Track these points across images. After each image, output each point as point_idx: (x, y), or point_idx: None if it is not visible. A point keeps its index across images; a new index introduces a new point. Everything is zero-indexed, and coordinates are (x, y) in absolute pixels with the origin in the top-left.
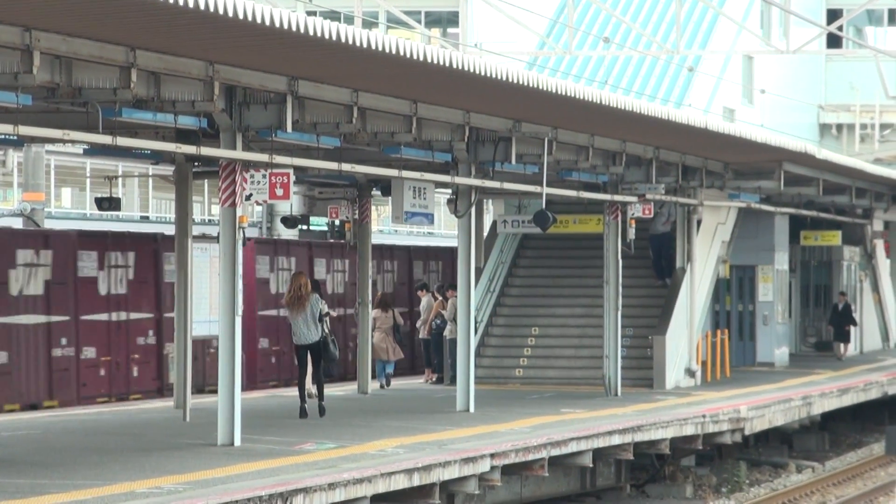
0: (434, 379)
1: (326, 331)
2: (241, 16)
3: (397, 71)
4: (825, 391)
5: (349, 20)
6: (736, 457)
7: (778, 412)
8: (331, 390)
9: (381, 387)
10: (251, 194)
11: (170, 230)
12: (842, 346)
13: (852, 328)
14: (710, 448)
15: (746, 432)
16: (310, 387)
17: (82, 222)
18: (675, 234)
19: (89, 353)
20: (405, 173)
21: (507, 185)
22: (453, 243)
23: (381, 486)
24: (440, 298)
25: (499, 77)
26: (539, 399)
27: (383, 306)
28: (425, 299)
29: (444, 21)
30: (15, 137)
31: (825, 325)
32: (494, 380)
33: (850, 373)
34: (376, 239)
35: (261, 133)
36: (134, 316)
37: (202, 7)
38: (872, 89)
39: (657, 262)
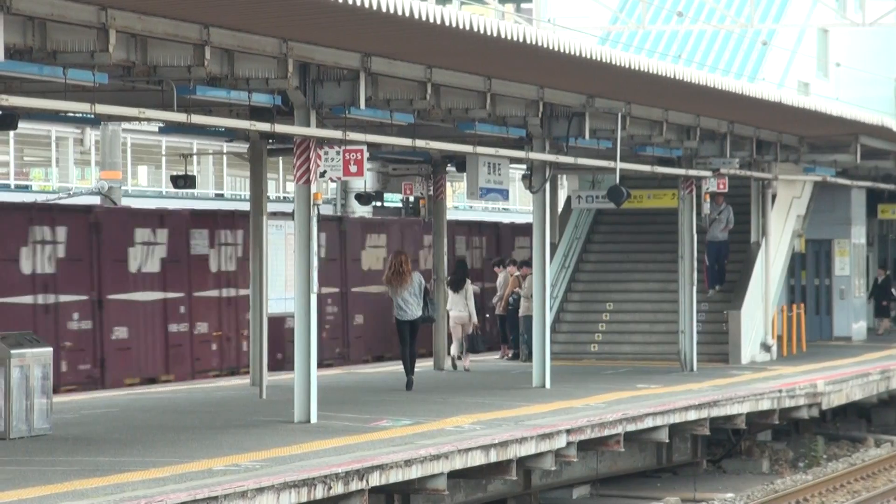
0: (510, 355)
1: (430, 309)
2: None
3: (471, 47)
4: None
5: None
6: (813, 431)
7: (856, 386)
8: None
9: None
10: (325, 171)
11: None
12: (880, 321)
13: (892, 303)
14: (786, 423)
15: (823, 407)
16: (456, 355)
17: (157, 200)
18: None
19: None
20: (480, 149)
21: (581, 161)
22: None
23: (458, 463)
24: (516, 274)
25: (572, 52)
26: (614, 374)
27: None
28: (502, 275)
29: None
30: (92, 116)
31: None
32: (569, 355)
33: None
34: (451, 215)
35: (334, 110)
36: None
37: None
38: None
39: (711, 268)
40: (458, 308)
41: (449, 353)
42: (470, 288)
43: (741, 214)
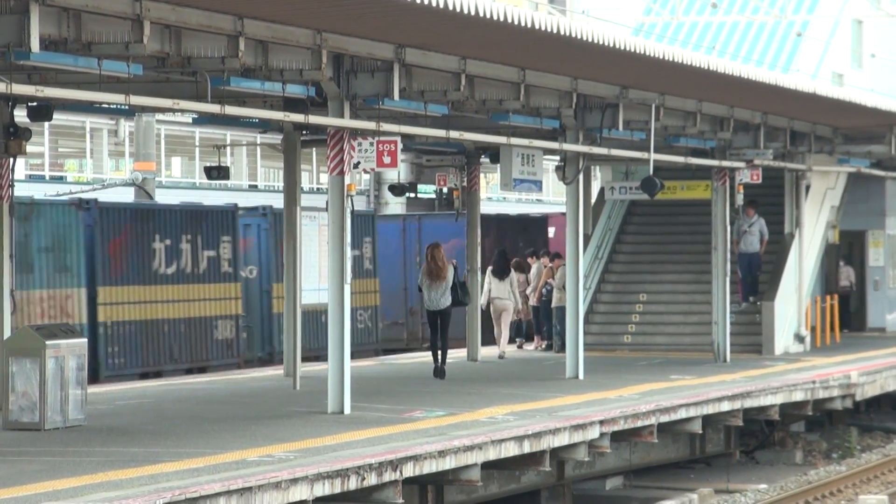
0: (543, 346)
1: (461, 294)
2: None
3: (505, 38)
4: None
5: None
6: (847, 422)
7: (890, 378)
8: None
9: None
10: (359, 162)
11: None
12: None
13: None
14: (820, 414)
15: (857, 398)
16: (504, 346)
17: (191, 192)
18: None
19: None
20: (513, 140)
21: (615, 152)
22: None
23: (492, 454)
24: (549, 266)
25: (606, 43)
26: (647, 365)
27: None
28: (535, 266)
29: None
30: (126, 107)
31: None
32: (603, 346)
33: None
34: (486, 207)
35: (368, 101)
36: None
37: None
38: None
39: (745, 280)
40: (503, 296)
41: (498, 345)
42: (514, 276)
43: (774, 205)
